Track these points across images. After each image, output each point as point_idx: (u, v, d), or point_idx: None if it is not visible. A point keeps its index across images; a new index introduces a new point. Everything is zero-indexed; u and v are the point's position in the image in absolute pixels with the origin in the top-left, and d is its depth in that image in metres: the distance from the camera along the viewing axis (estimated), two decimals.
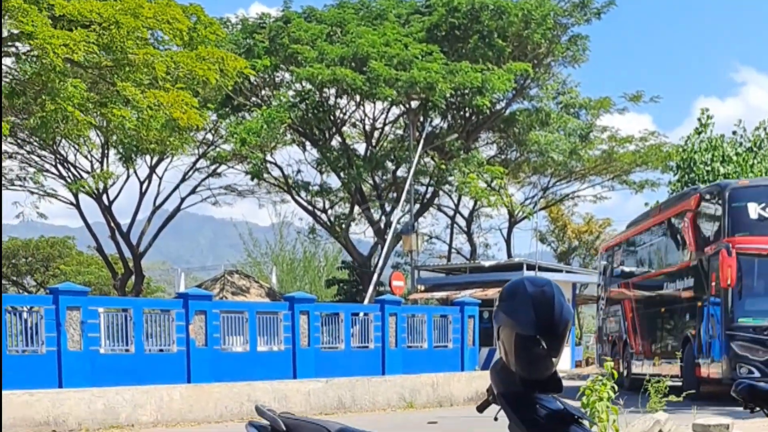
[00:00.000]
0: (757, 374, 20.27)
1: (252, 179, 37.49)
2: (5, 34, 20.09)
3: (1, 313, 17.21)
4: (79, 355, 19.37)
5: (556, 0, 36.78)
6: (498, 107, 38.15)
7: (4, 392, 17.83)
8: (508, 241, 47.20)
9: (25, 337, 19.42)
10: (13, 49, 20.91)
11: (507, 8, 35.15)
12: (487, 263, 38.55)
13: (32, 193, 35.22)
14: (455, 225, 47.72)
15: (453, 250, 48.19)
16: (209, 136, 35.82)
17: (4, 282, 44.45)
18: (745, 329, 20.86)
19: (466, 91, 34.12)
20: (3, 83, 22.84)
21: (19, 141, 33.55)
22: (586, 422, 3.59)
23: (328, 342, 23.41)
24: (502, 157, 42.30)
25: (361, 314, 24.63)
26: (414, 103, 34.51)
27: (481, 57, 34.93)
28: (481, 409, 3.91)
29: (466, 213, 47.31)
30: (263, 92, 36.85)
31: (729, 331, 20.96)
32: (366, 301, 31.10)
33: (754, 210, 21.40)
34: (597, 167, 44.40)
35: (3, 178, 34.35)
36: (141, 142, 24.91)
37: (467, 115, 37.97)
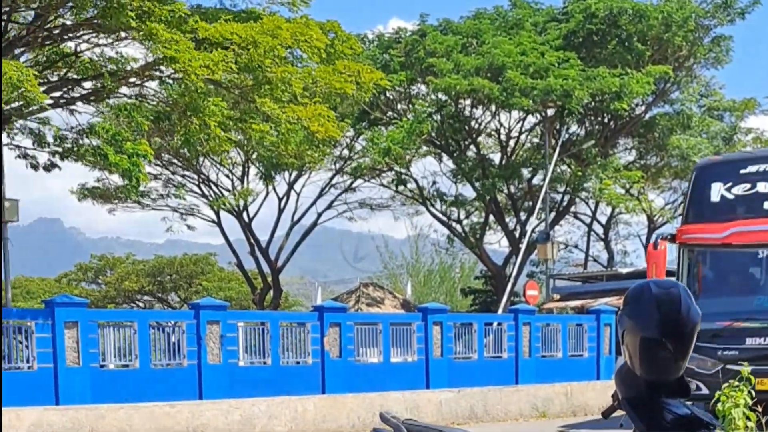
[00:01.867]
0: (705, 391, 16.58)
1: (396, 186, 37.93)
2: (150, 59, 20.81)
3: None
4: (218, 368, 19.97)
5: (697, 1, 36.13)
6: (637, 112, 37.66)
7: (146, 404, 18.56)
8: (647, 248, 46.25)
9: (168, 352, 20.12)
10: (158, 73, 21.64)
11: (647, 12, 34.73)
12: (624, 270, 37.98)
13: (175, 210, 36.32)
14: (592, 232, 47.17)
15: (590, 258, 47.62)
16: (346, 152, 36.36)
17: (150, 298, 45.92)
18: None
19: (604, 97, 33.80)
20: (149, 106, 23.74)
21: (163, 162, 34.68)
22: (717, 430, 3.54)
23: (462, 352, 23.49)
24: (642, 162, 41.66)
25: (495, 324, 24.65)
26: (550, 111, 34.35)
27: (619, 62, 34.56)
28: (606, 414, 3.88)
29: (603, 220, 46.72)
30: (399, 106, 37.19)
31: None
32: (500, 311, 31.08)
33: (716, 191, 17.91)
34: None
35: (147, 198, 35.54)
36: (280, 157, 25.45)
37: (605, 120, 37.59)
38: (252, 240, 36.27)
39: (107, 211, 36.03)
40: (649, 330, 3.41)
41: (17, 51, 20.33)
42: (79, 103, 21.58)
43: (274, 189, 36.61)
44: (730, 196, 17.58)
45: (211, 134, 20.97)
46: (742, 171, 17.76)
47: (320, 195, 37.59)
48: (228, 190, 35.87)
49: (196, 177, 36.16)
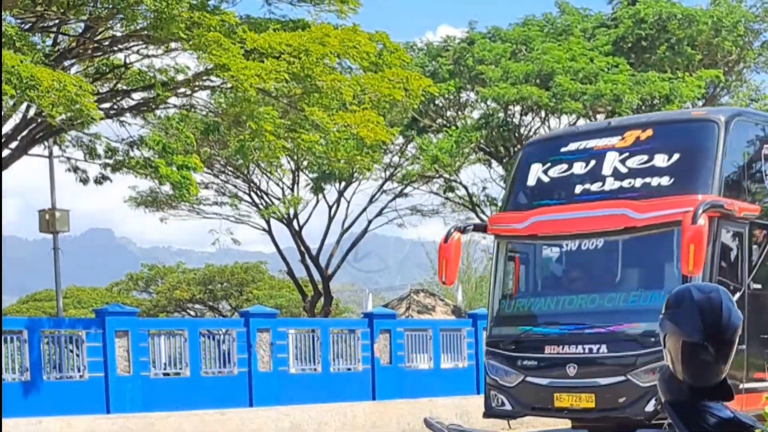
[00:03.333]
0: (508, 406, 14.94)
1: (444, 192, 37.91)
2: (201, 68, 20.99)
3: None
4: (268, 375, 20.08)
5: (747, 5, 35.93)
6: None
7: (197, 412, 18.67)
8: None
9: (219, 360, 20.27)
10: (208, 83, 21.83)
11: (696, 16, 34.55)
12: None
13: (226, 218, 36.54)
14: None
15: None
16: (396, 159, 36.44)
17: (200, 307, 46.19)
18: (496, 344, 15.40)
19: (654, 101, 33.61)
20: (200, 117, 23.95)
21: (214, 171, 34.95)
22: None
23: None
24: None
25: None
26: (600, 116, 34.17)
27: (669, 66, 34.37)
28: (649, 418, 3.93)
29: None
30: (448, 113, 37.20)
31: (486, 346, 15.85)
32: None
33: (534, 174, 15.59)
34: None
35: (200, 205, 35.82)
36: (330, 164, 25.58)
37: None
38: (302, 248, 36.39)
39: (159, 220, 36.35)
40: (691, 335, 3.43)
41: (67, 63, 20.57)
42: (128, 115, 21.80)
43: (324, 197, 36.73)
44: (546, 179, 15.47)
45: (265, 141, 21.10)
46: (562, 149, 15.60)
47: (370, 202, 37.65)
48: (278, 199, 36.02)
49: (246, 186, 36.38)
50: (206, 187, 35.22)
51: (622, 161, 14.85)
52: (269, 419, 19.35)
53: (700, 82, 33.51)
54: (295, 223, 36.26)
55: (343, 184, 36.11)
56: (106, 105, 21.05)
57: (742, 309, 13.20)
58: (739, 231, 14.56)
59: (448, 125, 35.67)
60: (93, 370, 18.42)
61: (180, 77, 21.47)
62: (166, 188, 24.67)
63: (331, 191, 36.64)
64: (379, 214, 38.14)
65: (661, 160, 14.58)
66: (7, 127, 20.43)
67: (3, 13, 18.82)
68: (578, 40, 35.20)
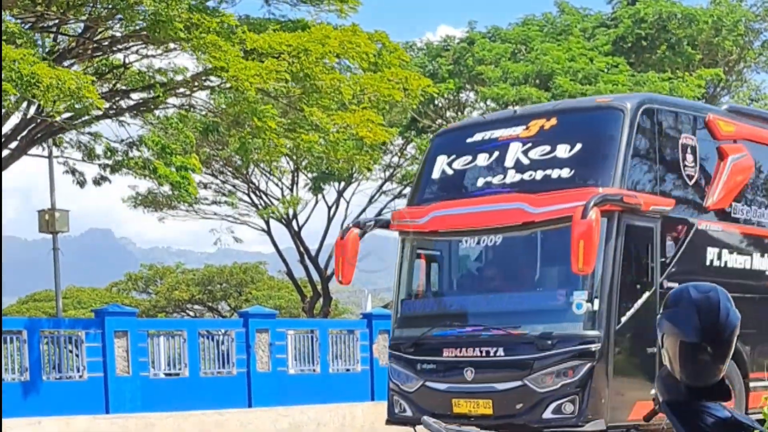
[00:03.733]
0: (409, 413, 13.98)
1: None
2: (200, 69, 20.98)
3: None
4: (267, 376, 20.07)
5: (747, 5, 35.94)
6: None
7: (195, 412, 18.68)
8: None
9: (218, 360, 20.28)
10: (207, 83, 21.83)
11: (696, 16, 34.52)
12: None
13: (225, 219, 36.55)
14: None
15: None
16: (395, 159, 36.43)
17: (200, 307, 46.18)
18: (398, 347, 14.42)
19: None
20: (199, 117, 23.94)
21: (213, 171, 34.94)
22: None
23: None
24: None
25: None
26: None
27: (669, 66, 34.37)
28: (647, 418, 3.90)
29: None
30: (448, 113, 37.19)
31: (389, 349, 15.00)
32: None
33: (439, 166, 14.66)
34: None
35: (199, 204, 35.81)
36: (330, 163, 25.56)
37: None
38: (302, 248, 36.39)
39: (158, 220, 36.35)
40: (689, 335, 3.43)
41: (67, 63, 20.57)
42: (127, 115, 21.79)
43: (324, 197, 36.72)
44: (450, 172, 14.58)
45: (266, 139, 21.07)
46: (468, 140, 14.66)
47: (370, 202, 37.64)
48: (277, 199, 36.01)
49: (245, 186, 36.37)
50: (205, 187, 35.24)
51: (525, 152, 13.97)
52: (268, 420, 19.36)
53: (700, 82, 33.51)
54: (294, 223, 36.25)
55: (343, 184, 36.10)
56: (106, 105, 21.06)
57: (654, 309, 12.20)
58: (649, 226, 13.54)
59: (447, 125, 35.69)
60: (92, 370, 18.43)
61: (179, 78, 21.46)
62: (166, 189, 24.69)
63: (330, 191, 36.63)
64: (379, 214, 38.08)
65: (563, 151, 13.67)
66: (6, 128, 20.43)
67: (3, 13, 18.83)
68: (578, 40, 35.18)
